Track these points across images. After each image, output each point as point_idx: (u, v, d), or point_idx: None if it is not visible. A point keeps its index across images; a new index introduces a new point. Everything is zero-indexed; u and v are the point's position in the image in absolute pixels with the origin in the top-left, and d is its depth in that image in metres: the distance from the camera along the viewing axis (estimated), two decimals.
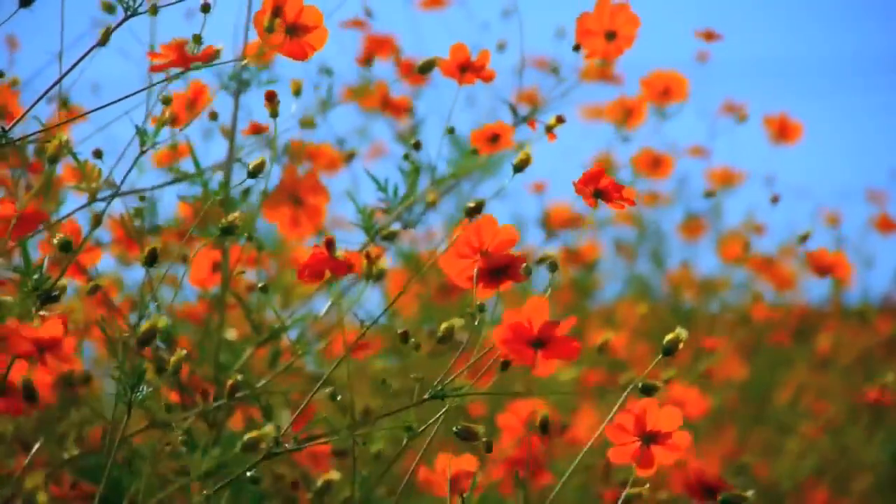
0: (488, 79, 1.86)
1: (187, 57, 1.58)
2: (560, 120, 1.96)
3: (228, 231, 1.67)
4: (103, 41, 1.75)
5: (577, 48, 1.92)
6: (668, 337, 1.56)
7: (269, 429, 1.62)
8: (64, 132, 1.71)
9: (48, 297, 1.65)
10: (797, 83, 5.67)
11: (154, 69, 1.60)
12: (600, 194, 1.56)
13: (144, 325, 1.60)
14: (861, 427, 3.27)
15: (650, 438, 1.54)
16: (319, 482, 1.71)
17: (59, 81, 1.70)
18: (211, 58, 1.58)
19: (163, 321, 1.58)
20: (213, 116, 2.12)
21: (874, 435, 3.27)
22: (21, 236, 1.72)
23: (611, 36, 1.89)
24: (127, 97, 1.67)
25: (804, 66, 5.91)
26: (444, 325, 1.64)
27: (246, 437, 1.62)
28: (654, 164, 3.08)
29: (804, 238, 2.45)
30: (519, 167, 1.66)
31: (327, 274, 1.69)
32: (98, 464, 1.90)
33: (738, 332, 3.56)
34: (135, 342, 1.60)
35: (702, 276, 4.06)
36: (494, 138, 1.92)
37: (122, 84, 1.79)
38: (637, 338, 3.41)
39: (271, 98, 1.75)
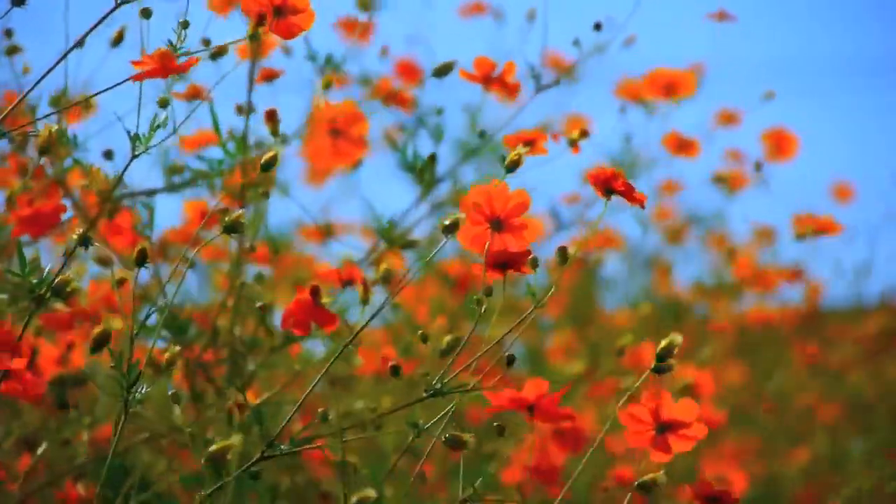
0: (514, 91, 1.85)
1: (168, 66, 1.55)
2: (584, 133, 1.92)
3: (232, 229, 1.56)
4: (116, 41, 1.76)
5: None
6: (662, 344, 1.51)
7: (234, 439, 1.56)
8: (57, 124, 1.65)
9: (42, 298, 1.56)
10: (797, 83, 5.68)
11: (135, 78, 1.56)
12: (613, 193, 1.52)
13: (97, 329, 1.54)
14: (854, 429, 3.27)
15: (666, 428, 1.50)
16: (356, 499, 1.57)
17: (47, 74, 1.66)
18: (192, 67, 1.56)
19: (116, 323, 1.48)
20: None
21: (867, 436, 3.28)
22: (38, 235, 1.70)
23: None
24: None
25: (804, 66, 5.92)
26: (447, 338, 1.61)
27: (211, 448, 1.56)
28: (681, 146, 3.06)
29: None
30: (510, 168, 1.57)
31: (312, 326, 1.65)
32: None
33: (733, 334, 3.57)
34: (89, 345, 1.53)
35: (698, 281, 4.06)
36: (528, 144, 1.85)
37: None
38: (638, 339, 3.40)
39: (272, 116, 1.71)
